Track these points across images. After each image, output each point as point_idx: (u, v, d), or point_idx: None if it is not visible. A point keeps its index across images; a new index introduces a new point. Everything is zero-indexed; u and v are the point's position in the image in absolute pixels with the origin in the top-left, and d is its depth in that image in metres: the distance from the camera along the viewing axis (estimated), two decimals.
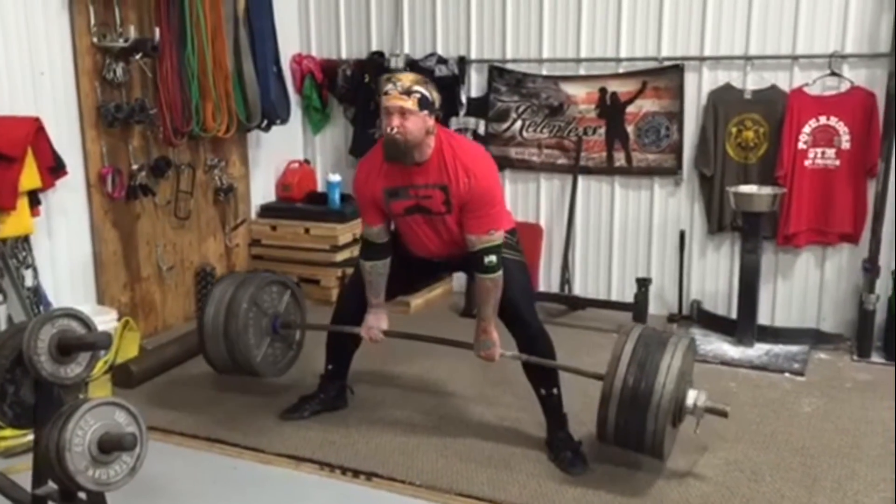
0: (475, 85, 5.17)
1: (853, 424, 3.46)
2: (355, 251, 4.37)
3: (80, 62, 3.97)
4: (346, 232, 5.13)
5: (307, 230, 5.16)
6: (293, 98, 5.40)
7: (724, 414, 2.94)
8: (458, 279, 5.15)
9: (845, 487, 2.95)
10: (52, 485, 2.19)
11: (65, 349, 2.21)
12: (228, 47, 4.53)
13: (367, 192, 3.11)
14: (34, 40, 3.78)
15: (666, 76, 4.66)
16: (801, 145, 4.39)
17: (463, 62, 5.10)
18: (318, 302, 4.92)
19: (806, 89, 4.37)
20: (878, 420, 3.50)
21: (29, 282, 3.66)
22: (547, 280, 5.14)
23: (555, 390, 3.17)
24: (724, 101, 4.55)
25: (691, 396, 2.92)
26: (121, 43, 4.03)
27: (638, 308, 4.51)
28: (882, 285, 4.23)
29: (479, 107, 5.15)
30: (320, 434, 3.36)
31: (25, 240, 3.66)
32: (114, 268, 4.30)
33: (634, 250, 4.96)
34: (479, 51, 5.12)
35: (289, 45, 5.33)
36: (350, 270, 4.25)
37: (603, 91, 4.83)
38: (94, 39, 4.00)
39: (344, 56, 5.46)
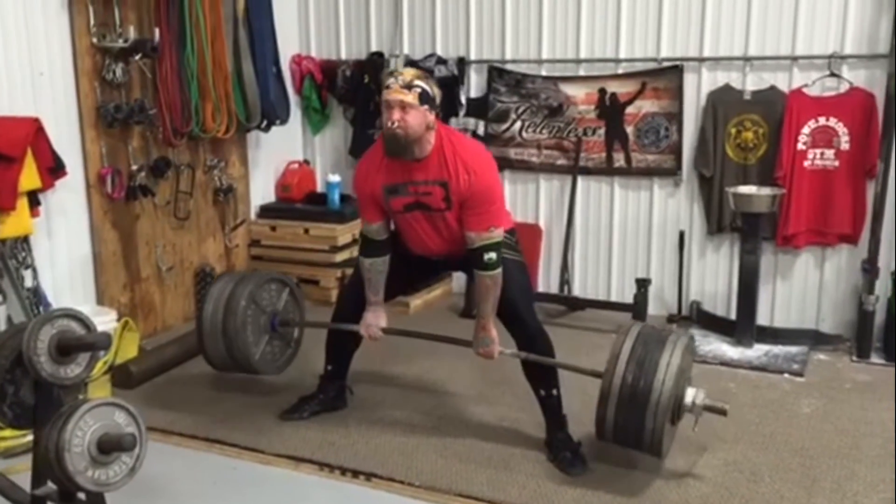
0: (475, 85, 5.17)
1: (852, 425, 3.46)
2: (355, 252, 4.37)
3: (79, 62, 3.97)
4: (346, 232, 5.13)
5: (307, 231, 5.16)
6: (293, 98, 5.40)
7: (722, 412, 2.94)
8: (458, 280, 5.15)
9: (844, 488, 2.95)
10: (51, 485, 2.18)
11: (64, 350, 2.21)
12: (228, 48, 4.53)
13: (367, 189, 3.11)
14: (34, 40, 3.78)
15: (665, 77, 4.66)
16: (800, 146, 4.39)
17: (462, 63, 5.11)
18: (318, 302, 4.92)
19: (805, 90, 4.37)
20: (877, 421, 3.50)
21: (28, 282, 3.67)
22: (546, 281, 5.14)
23: (554, 391, 3.17)
24: (723, 102, 4.55)
25: (690, 394, 2.92)
26: (120, 43, 4.03)
27: (637, 309, 4.51)
28: (881, 286, 4.24)
29: (478, 107, 5.15)
30: (320, 434, 3.36)
31: (25, 240, 3.66)
32: (113, 268, 4.30)
33: (634, 251, 4.96)
34: (478, 51, 5.12)
35: (288, 46, 5.33)
36: (349, 271, 4.25)
37: (602, 92, 4.83)
38: (94, 40, 4.00)
39: (343, 57, 5.46)
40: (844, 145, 4.32)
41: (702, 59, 4.59)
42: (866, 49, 4.26)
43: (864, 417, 3.53)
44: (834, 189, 4.37)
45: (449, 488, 2.95)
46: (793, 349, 4.28)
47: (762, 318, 4.48)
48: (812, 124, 4.36)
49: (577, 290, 5.06)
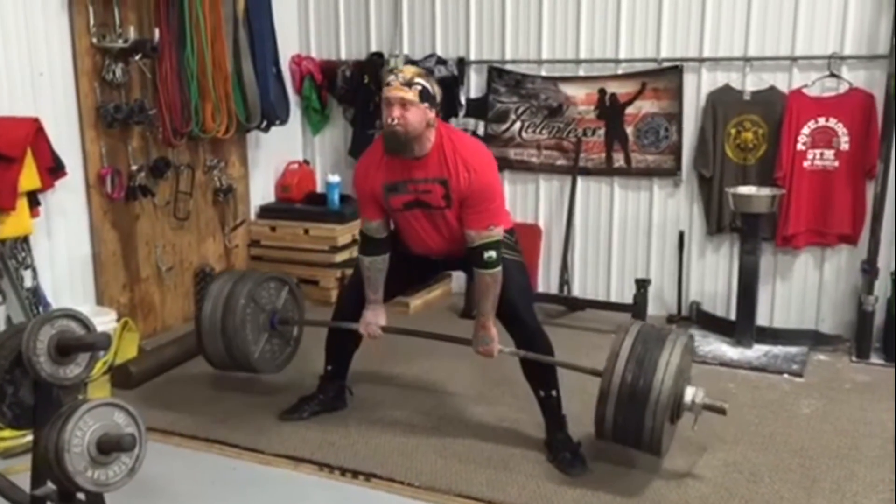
0: (474, 86, 5.17)
1: (852, 426, 3.46)
2: (354, 252, 4.36)
3: (79, 63, 3.97)
4: (346, 233, 5.13)
5: (306, 231, 5.16)
6: (292, 99, 5.40)
7: (721, 411, 2.94)
8: (458, 280, 5.15)
9: (844, 489, 2.95)
10: (50, 485, 2.18)
11: (64, 350, 2.21)
12: (228, 48, 4.53)
13: (367, 187, 3.11)
14: (34, 41, 3.78)
15: (665, 77, 4.66)
16: (800, 146, 4.39)
17: (462, 63, 5.11)
18: (317, 303, 4.93)
19: (805, 90, 4.37)
20: (876, 421, 3.50)
21: (28, 282, 3.66)
22: (546, 281, 5.14)
23: (554, 392, 3.17)
24: (723, 102, 4.55)
25: (689, 393, 2.92)
26: (120, 44, 4.03)
27: (637, 309, 4.50)
28: (881, 286, 4.24)
29: (478, 108, 5.15)
30: (319, 435, 3.35)
31: (25, 240, 3.66)
32: (113, 268, 4.29)
33: (633, 251, 4.96)
34: (478, 52, 5.12)
35: (288, 46, 5.33)
36: (349, 271, 4.25)
37: (602, 92, 4.83)
38: (94, 40, 4.00)
39: (343, 57, 5.46)
40: (844, 146, 4.33)
41: (701, 60, 4.59)
42: (866, 49, 4.26)
43: (863, 418, 3.53)
44: (833, 189, 4.37)
45: (449, 489, 2.95)
46: (792, 349, 4.28)
47: (762, 319, 4.48)
48: (812, 125, 4.36)
49: (577, 291, 5.06)
